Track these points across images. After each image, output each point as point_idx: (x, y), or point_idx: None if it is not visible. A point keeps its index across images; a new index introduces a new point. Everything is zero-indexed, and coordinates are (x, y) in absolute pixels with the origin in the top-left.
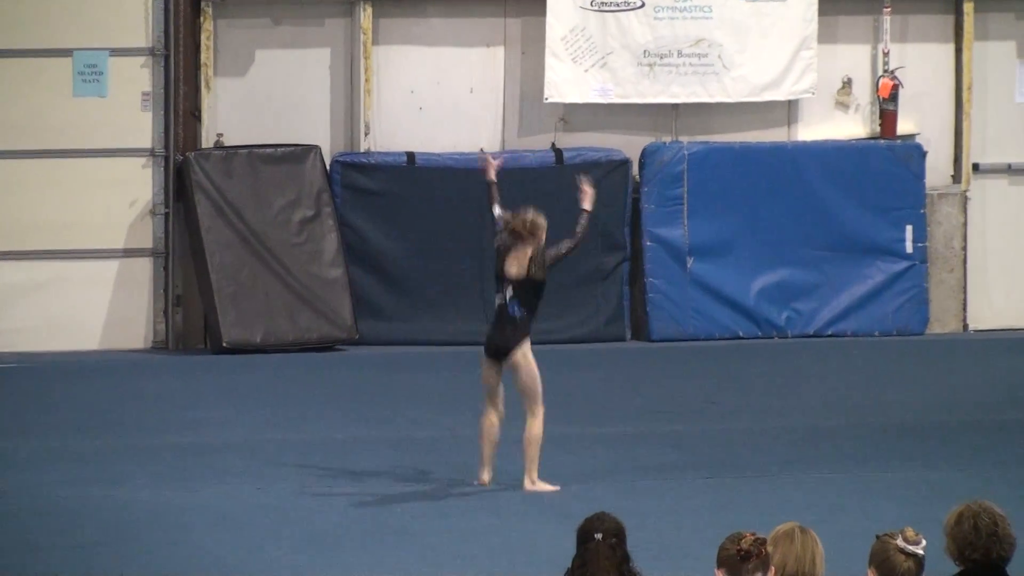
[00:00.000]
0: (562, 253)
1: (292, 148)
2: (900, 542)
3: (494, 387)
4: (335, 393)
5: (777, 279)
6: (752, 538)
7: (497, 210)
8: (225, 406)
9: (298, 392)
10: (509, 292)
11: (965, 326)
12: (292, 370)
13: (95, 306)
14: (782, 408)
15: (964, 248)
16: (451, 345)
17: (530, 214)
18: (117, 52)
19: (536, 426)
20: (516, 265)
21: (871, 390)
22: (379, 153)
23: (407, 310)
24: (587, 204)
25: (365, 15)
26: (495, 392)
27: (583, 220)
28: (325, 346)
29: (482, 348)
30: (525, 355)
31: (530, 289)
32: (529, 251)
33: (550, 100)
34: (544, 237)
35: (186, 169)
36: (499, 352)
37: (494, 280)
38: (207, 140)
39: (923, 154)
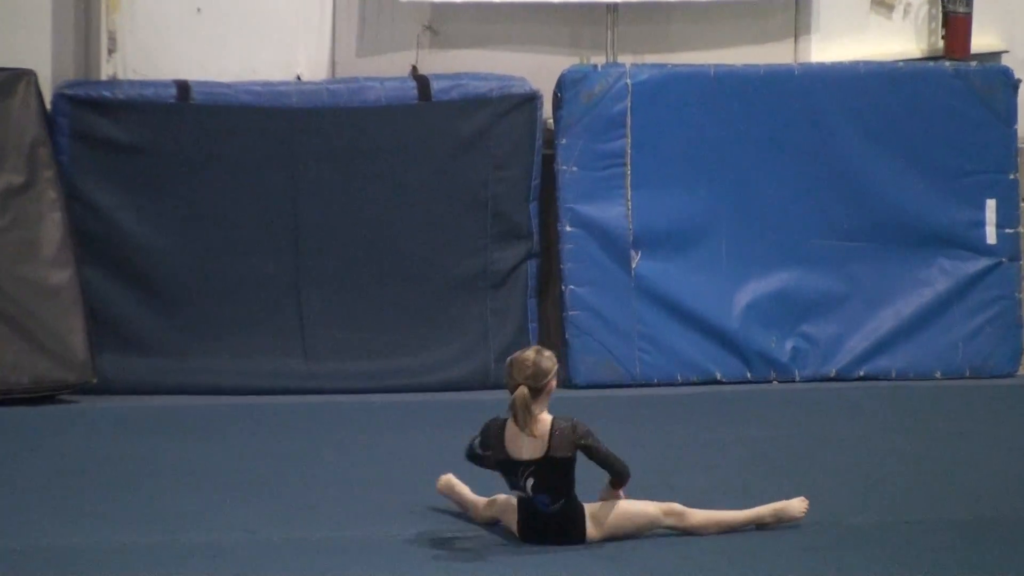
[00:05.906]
0: (601, 453)
1: None
2: None
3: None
4: (54, 471)
5: (776, 288)
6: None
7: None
8: None
9: None
10: (530, 482)
11: None
12: None
13: None
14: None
15: None
16: (247, 394)
17: (529, 353)
18: None
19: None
20: (529, 445)
21: (937, 467)
22: (132, 83)
23: (177, 338)
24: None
25: None
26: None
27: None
28: (43, 395)
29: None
30: (603, 508)
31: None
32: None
33: None
34: (555, 383)
35: None
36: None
37: (501, 471)
38: None
39: (1014, 84)
